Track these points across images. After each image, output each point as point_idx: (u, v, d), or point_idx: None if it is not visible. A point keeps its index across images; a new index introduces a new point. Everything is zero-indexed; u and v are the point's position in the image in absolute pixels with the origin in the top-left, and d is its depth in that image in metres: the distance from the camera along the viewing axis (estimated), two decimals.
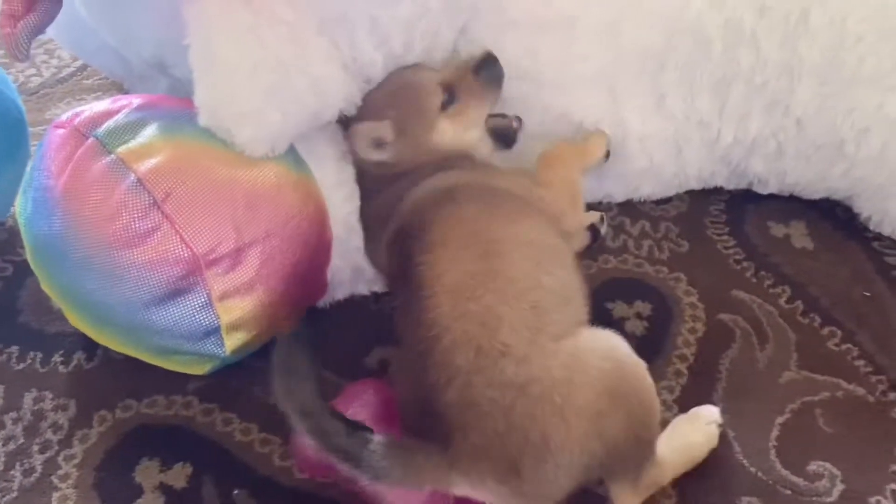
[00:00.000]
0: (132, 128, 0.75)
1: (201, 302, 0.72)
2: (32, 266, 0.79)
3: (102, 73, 1.26)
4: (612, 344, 0.69)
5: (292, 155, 0.81)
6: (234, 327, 0.74)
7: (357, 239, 0.85)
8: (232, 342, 0.75)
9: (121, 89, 1.23)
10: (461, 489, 0.67)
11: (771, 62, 0.88)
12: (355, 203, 0.85)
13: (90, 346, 0.86)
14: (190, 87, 0.82)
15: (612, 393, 0.66)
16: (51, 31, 0.93)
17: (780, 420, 0.81)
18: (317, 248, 0.81)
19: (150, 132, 0.74)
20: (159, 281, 0.71)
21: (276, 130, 0.77)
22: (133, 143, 0.73)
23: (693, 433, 0.77)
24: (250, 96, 0.75)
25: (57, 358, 0.85)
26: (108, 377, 0.84)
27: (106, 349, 0.85)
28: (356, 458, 0.63)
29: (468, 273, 0.68)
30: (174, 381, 0.82)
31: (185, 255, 0.71)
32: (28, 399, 0.82)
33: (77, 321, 0.80)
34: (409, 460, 0.65)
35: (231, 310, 0.73)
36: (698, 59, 0.90)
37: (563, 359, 0.66)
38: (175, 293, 0.72)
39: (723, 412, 0.80)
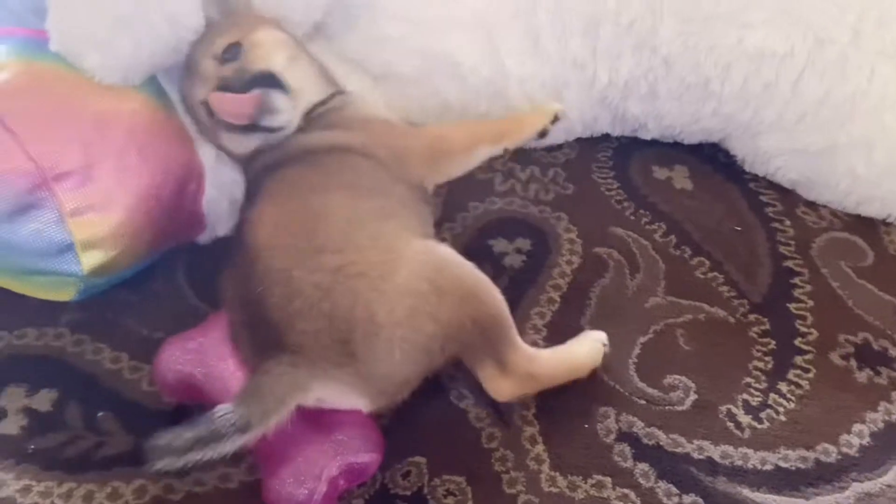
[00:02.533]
0: None
1: (52, 217, 0.73)
2: None
3: None
4: (433, 246, 0.73)
5: (154, 87, 0.82)
6: (89, 245, 0.75)
7: (230, 171, 0.86)
8: (89, 260, 0.75)
9: None
10: (316, 392, 0.68)
11: (634, 2, 0.92)
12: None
13: None
14: None
15: (432, 278, 0.69)
16: None
17: (642, 339, 0.84)
18: (183, 176, 0.82)
19: (2, 53, 0.75)
20: (7, 195, 0.71)
21: (126, 60, 0.78)
22: None
23: (577, 344, 0.80)
24: (101, 23, 0.76)
25: None
26: None
27: None
28: (218, 437, 0.62)
29: (287, 211, 0.72)
30: (47, 314, 0.82)
31: (30, 167, 0.71)
32: None
33: None
34: (259, 395, 0.65)
35: (84, 226, 0.74)
36: (567, 1, 0.92)
37: (379, 249, 0.69)
38: (24, 207, 0.72)
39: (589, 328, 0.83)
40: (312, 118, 0.83)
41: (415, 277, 0.68)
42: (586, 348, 0.80)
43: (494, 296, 0.73)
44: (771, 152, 1.00)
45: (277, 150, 0.80)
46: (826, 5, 0.89)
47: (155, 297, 0.86)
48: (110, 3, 0.76)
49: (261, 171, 0.80)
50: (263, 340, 0.68)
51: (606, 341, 0.80)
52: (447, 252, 0.73)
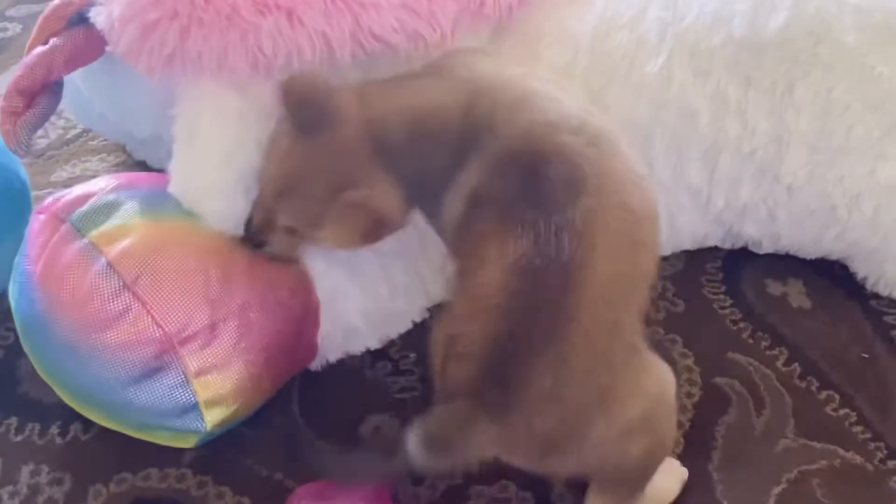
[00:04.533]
0: (106, 210, 0.77)
1: (177, 380, 0.73)
2: (23, 346, 0.81)
3: (104, 137, 1.28)
4: (666, 369, 0.71)
5: None
6: (212, 403, 0.75)
7: (345, 300, 0.86)
8: (212, 417, 0.76)
9: (124, 150, 1.26)
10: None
11: (759, 131, 0.89)
12: (341, 267, 0.86)
13: (86, 418, 0.86)
14: None
15: (648, 417, 0.67)
16: None
17: (776, 490, 0.80)
18: (301, 317, 0.82)
19: (124, 213, 0.76)
20: (134, 361, 0.72)
21: (242, 211, 0.78)
22: (106, 226, 0.75)
23: (661, 479, 0.76)
24: (224, 174, 0.77)
25: (54, 429, 0.86)
26: (104, 449, 0.84)
27: None
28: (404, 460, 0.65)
29: (617, 273, 0.66)
30: (169, 454, 0.82)
31: (158, 334, 0.72)
32: (25, 472, 0.82)
33: (65, 398, 0.81)
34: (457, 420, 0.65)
35: (208, 385, 0.74)
36: (685, 131, 0.91)
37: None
38: (150, 372, 0.73)
39: (718, 481, 0.80)
40: None
41: (639, 413, 0.66)
42: (671, 484, 0.78)
43: (671, 448, 0.73)
44: None
45: None
46: None
47: (271, 430, 0.86)
48: (235, 156, 0.77)
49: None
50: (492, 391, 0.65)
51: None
52: (671, 379, 0.71)
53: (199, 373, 0.74)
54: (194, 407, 0.74)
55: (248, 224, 0.78)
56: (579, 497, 0.79)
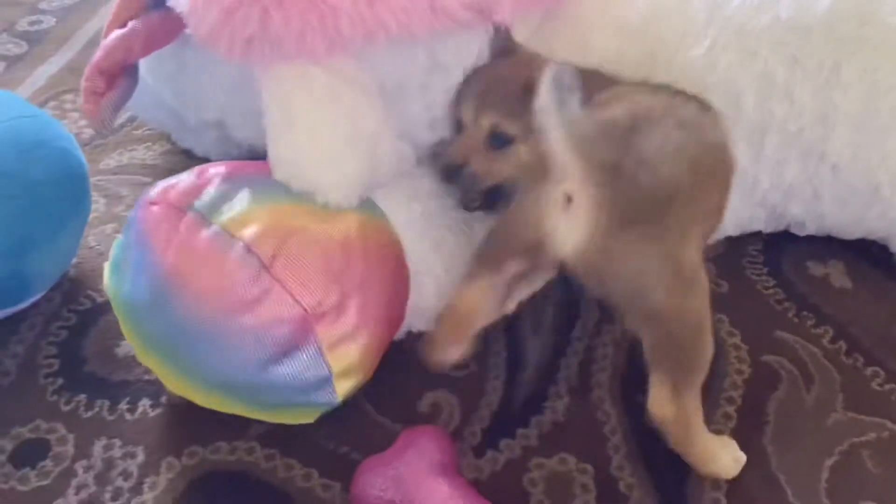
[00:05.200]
0: (226, 197, 0.78)
1: (314, 355, 0.75)
2: (132, 336, 0.82)
3: (151, 126, 1.31)
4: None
5: (368, 203, 0.86)
6: (344, 374, 0.77)
7: (426, 274, 0.88)
8: (343, 388, 0.78)
9: (169, 139, 1.28)
10: None
11: (806, 111, 0.91)
12: (426, 241, 0.89)
13: (154, 393, 0.89)
14: (233, 143, 0.84)
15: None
16: None
17: (829, 462, 0.82)
18: (399, 287, 0.85)
19: (242, 201, 0.78)
20: (275, 340, 0.74)
21: (354, 177, 0.81)
22: (231, 213, 0.76)
23: (723, 450, 0.81)
24: (332, 145, 0.80)
25: (123, 406, 0.88)
26: (173, 424, 0.86)
27: (169, 396, 0.88)
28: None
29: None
30: (236, 428, 0.85)
31: (297, 312, 0.73)
32: (98, 447, 0.84)
33: (183, 389, 0.82)
34: None
35: (340, 358, 0.76)
36: (730, 113, 0.92)
37: None
38: (290, 349, 0.74)
39: (773, 454, 0.83)
40: None
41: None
42: (727, 461, 0.80)
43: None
44: None
45: None
46: None
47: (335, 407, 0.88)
48: (337, 126, 0.80)
49: None
50: None
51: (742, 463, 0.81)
52: None
53: (333, 346, 0.75)
54: (328, 380, 0.76)
55: (446, 164, 0.87)
56: (639, 468, 0.82)
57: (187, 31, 0.79)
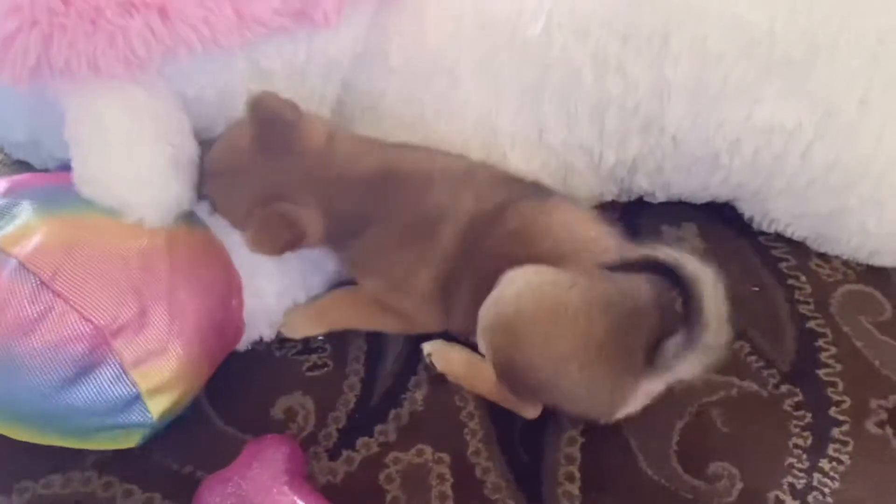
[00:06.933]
0: (2, 214, 0.73)
1: (115, 373, 0.71)
2: None
3: None
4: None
5: (183, 214, 0.81)
6: (155, 391, 0.73)
7: (261, 279, 0.85)
8: (157, 406, 0.74)
9: (1, 150, 1.19)
10: None
11: (641, 85, 0.92)
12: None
13: None
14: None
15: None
16: None
17: (679, 424, 0.83)
18: (226, 293, 0.81)
19: (23, 214, 0.73)
20: (65, 361, 0.69)
21: (175, 194, 0.78)
22: (8, 228, 0.72)
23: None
24: (153, 162, 0.76)
25: None
26: (2, 460, 0.80)
27: None
28: None
29: None
30: (70, 457, 0.79)
31: (87, 329, 0.69)
32: None
33: None
34: None
35: (148, 375, 0.72)
36: (571, 89, 0.92)
37: None
38: (85, 370, 0.70)
39: (624, 421, 0.83)
40: None
41: None
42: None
43: None
44: (781, 214, 1.00)
45: None
46: (832, 80, 0.89)
47: (178, 421, 0.84)
48: (158, 144, 0.77)
49: None
50: None
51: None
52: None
53: (137, 362, 0.71)
54: (136, 398, 0.72)
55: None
56: (494, 450, 0.81)
57: None
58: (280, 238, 0.78)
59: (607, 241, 0.80)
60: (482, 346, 0.78)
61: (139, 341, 0.72)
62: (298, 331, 0.90)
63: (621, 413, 0.77)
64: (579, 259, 0.77)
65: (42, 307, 0.68)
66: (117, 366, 0.70)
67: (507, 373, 0.76)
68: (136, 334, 0.71)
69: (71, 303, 0.69)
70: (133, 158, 0.77)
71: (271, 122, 0.79)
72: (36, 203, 0.74)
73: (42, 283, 0.69)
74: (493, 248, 0.79)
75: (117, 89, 0.75)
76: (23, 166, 1.15)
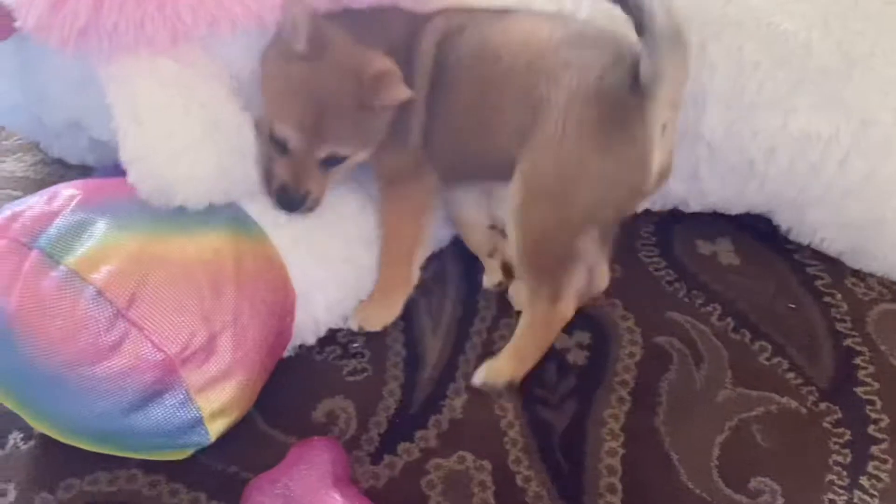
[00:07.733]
0: (76, 231, 0.72)
1: (180, 399, 0.71)
2: None
3: (19, 134, 1.22)
4: None
5: (242, 219, 0.81)
6: (216, 415, 0.73)
7: (316, 291, 0.86)
8: (216, 428, 0.74)
9: (40, 148, 1.20)
10: None
11: None
12: (312, 257, 0.86)
13: (26, 425, 0.83)
14: (107, 146, 0.81)
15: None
16: None
17: (719, 439, 0.84)
18: (282, 313, 0.81)
19: (96, 234, 0.72)
20: (135, 388, 0.69)
21: (211, 169, 0.77)
22: (82, 250, 0.71)
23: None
24: (185, 133, 0.76)
25: None
26: (47, 456, 0.81)
27: None
28: None
29: None
30: (115, 456, 0.80)
31: (159, 358, 0.69)
32: None
33: (45, 429, 0.77)
34: None
35: (211, 399, 0.72)
36: None
37: None
38: (152, 396, 0.70)
39: (666, 434, 0.83)
40: None
41: None
42: None
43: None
44: (817, 225, 1.01)
45: None
46: (869, 90, 0.90)
47: None
48: (190, 113, 0.77)
49: None
50: None
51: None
52: None
53: (202, 389, 0.71)
54: (199, 422, 0.72)
55: (283, 187, 0.84)
56: (535, 460, 0.81)
57: (17, 24, 0.74)
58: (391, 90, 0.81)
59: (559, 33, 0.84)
60: (510, 230, 0.83)
61: (205, 368, 0.71)
62: (374, 323, 0.93)
63: (653, 178, 0.81)
64: (544, 64, 0.81)
65: (117, 336, 0.68)
66: (183, 393, 0.70)
67: (538, 230, 0.81)
68: (203, 362, 0.71)
69: (145, 332, 0.68)
70: (165, 129, 0.76)
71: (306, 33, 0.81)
72: (108, 221, 0.73)
73: (118, 311, 0.68)
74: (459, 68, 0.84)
75: (147, 62, 0.75)
76: (62, 165, 1.17)
